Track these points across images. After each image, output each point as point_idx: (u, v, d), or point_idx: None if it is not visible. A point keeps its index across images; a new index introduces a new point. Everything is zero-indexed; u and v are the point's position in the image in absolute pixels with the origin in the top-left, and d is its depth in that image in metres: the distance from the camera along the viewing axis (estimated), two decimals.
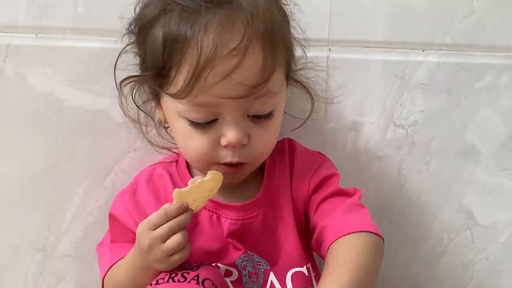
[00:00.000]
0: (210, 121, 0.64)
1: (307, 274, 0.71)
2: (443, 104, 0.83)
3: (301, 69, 0.75)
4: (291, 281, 0.70)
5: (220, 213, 0.70)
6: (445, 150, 0.84)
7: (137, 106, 0.72)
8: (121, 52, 0.71)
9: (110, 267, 0.70)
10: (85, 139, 0.77)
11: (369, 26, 0.80)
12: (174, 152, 0.76)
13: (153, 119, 0.74)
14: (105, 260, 0.71)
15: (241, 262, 0.70)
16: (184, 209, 0.63)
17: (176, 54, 0.62)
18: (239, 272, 0.70)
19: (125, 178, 0.77)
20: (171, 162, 0.75)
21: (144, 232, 0.64)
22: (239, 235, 0.70)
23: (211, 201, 0.69)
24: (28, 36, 0.75)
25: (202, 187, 0.64)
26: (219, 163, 0.66)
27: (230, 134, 0.64)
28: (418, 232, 0.87)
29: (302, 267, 0.71)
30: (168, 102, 0.66)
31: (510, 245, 0.89)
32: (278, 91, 0.66)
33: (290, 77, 0.71)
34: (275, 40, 0.64)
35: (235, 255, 0.70)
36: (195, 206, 0.64)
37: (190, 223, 0.65)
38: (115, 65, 0.71)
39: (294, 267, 0.71)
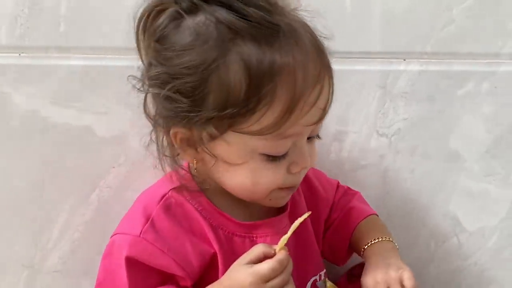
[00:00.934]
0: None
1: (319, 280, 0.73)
2: (426, 112, 0.83)
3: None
4: None
5: (253, 235, 0.68)
6: (429, 157, 0.85)
7: (163, 154, 0.65)
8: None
9: None
10: (70, 155, 0.77)
11: (350, 37, 0.80)
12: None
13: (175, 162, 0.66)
14: None
15: None
16: (287, 261, 0.61)
17: (266, 86, 0.57)
18: None
19: (110, 193, 0.78)
20: (179, 187, 0.68)
21: (246, 267, 0.60)
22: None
23: (237, 224, 0.67)
24: (11, 56, 0.75)
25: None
26: (281, 188, 0.65)
27: (304, 161, 0.63)
28: (405, 239, 0.87)
29: (317, 274, 0.73)
30: (232, 142, 0.60)
31: (497, 250, 0.90)
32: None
33: None
34: (330, 63, 0.63)
35: None
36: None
37: (228, 255, 0.64)
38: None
39: (312, 276, 0.73)
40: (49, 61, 0.75)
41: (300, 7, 0.62)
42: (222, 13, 0.57)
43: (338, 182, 0.82)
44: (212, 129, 0.60)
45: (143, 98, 0.64)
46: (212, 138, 0.61)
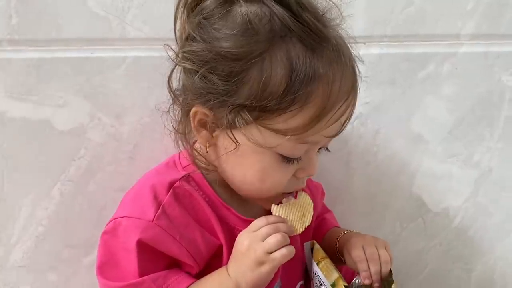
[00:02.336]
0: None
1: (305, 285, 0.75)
2: (387, 95, 0.83)
3: None
4: None
5: None
6: (391, 140, 0.85)
7: (176, 131, 0.66)
8: (173, 68, 0.63)
9: None
10: (29, 149, 0.76)
11: None
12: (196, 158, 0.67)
13: (186, 141, 0.67)
14: None
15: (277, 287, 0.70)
16: (283, 220, 0.64)
17: (303, 90, 0.57)
18: None
19: (72, 186, 0.77)
20: (186, 177, 0.68)
21: (246, 233, 0.63)
22: None
23: (239, 218, 0.67)
24: None
25: (296, 208, 0.66)
26: (283, 192, 0.66)
27: (312, 168, 0.65)
28: (370, 222, 0.88)
29: (302, 280, 0.74)
30: (253, 134, 0.60)
31: (462, 230, 0.91)
32: None
33: None
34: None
35: (273, 281, 0.66)
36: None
37: (232, 247, 0.64)
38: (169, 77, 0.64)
39: (299, 281, 0.74)
40: (3, 54, 0.74)
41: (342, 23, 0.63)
42: (279, 10, 0.58)
43: (322, 186, 0.82)
44: (238, 118, 0.60)
45: (170, 70, 0.63)
46: (233, 127, 0.61)
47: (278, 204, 0.66)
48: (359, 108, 0.83)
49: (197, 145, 0.67)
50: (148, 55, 0.75)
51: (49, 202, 0.78)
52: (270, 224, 0.63)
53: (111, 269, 0.65)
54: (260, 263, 0.61)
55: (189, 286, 0.64)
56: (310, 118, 0.58)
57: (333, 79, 0.58)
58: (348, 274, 0.75)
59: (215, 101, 0.60)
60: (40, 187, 0.77)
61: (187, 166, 0.69)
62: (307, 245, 0.74)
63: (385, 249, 0.70)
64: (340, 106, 0.60)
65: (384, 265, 0.69)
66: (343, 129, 0.64)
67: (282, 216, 0.65)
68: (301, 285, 0.74)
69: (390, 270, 0.70)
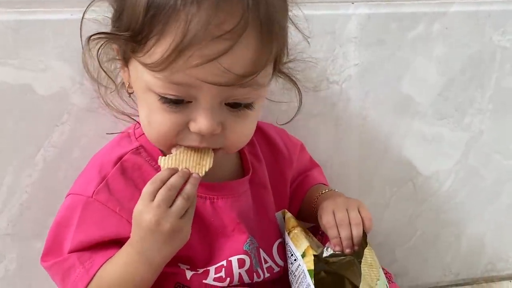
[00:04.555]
0: (182, 102, 0.59)
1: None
2: (377, 56, 0.82)
3: (289, 61, 0.69)
4: (277, 253, 0.71)
5: (213, 196, 0.67)
6: (381, 103, 0.84)
7: (100, 66, 0.65)
8: (89, 4, 0.65)
9: (91, 279, 0.63)
10: (11, 115, 0.74)
11: None
12: (134, 120, 0.70)
13: (113, 81, 0.68)
14: (77, 273, 0.64)
15: (249, 246, 0.68)
16: (174, 171, 0.59)
17: (159, 22, 0.55)
18: (250, 258, 0.67)
19: (55, 152, 0.76)
20: (137, 149, 0.67)
21: (144, 208, 0.58)
22: (242, 214, 0.68)
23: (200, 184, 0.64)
24: None
25: (189, 155, 0.61)
26: (182, 145, 0.62)
27: (202, 123, 0.59)
28: (360, 186, 0.87)
29: (280, 238, 0.73)
30: (138, 69, 0.60)
31: (452, 194, 0.91)
32: (265, 83, 0.61)
33: (278, 69, 0.65)
34: (274, 29, 0.58)
35: (241, 239, 0.67)
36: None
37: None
38: (82, 19, 0.65)
39: (277, 239, 0.72)
40: None
41: None
42: None
43: (302, 144, 0.81)
44: (126, 52, 0.61)
45: None
46: (125, 61, 0.62)
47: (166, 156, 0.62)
48: (347, 70, 0.82)
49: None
50: None
51: (33, 169, 0.76)
52: (164, 184, 0.58)
53: (52, 247, 0.67)
54: (177, 231, 0.59)
55: (106, 261, 0.63)
56: (167, 52, 0.55)
57: (195, 13, 0.54)
58: None
59: (113, 34, 0.62)
60: (23, 153, 0.76)
61: (141, 136, 0.68)
62: (278, 215, 0.73)
63: (358, 210, 0.67)
64: (210, 44, 0.54)
65: (355, 228, 0.66)
66: (241, 80, 0.56)
67: (173, 166, 0.60)
68: (280, 243, 0.72)
69: (364, 233, 0.66)
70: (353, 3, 0.79)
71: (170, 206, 0.58)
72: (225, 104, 0.60)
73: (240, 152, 0.72)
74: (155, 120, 0.60)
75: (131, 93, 0.67)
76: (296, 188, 0.78)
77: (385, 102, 0.84)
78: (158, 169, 0.64)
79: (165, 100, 0.58)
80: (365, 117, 0.84)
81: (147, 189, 0.59)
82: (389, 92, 0.83)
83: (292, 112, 0.74)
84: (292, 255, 0.68)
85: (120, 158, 0.66)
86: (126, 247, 0.62)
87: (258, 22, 0.56)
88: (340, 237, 0.66)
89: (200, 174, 0.61)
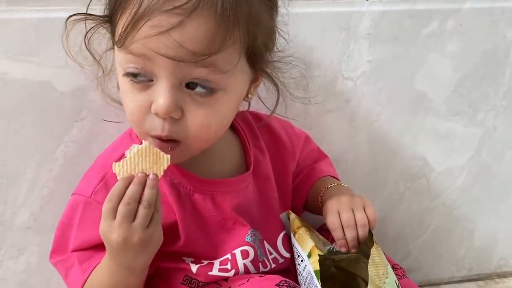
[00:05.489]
0: (146, 81, 0.60)
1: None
2: (391, 53, 0.83)
3: (275, 61, 0.68)
4: (282, 245, 0.72)
5: (213, 192, 0.68)
6: (395, 99, 0.85)
7: (87, 49, 0.68)
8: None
9: (86, 280, 0.65)
10: (32, 111, 0.76)
11: None
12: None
13: (102, 67, 0.70)
14: (75, 272, 0.66)
15: (251, 237, 0.69)
16: (130, 180, 0.58)
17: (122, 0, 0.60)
18: (254, 249, 0.68)
19: (75, 148, 0.77)
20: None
21: (107, 229, 0.58)
22: (242, 208, 0.69)
23: (198, 180, 0.67)
24: None
25: (145, 156, 0.59)
26: (151, 135, 0.62)
27: (161, 101, 0.59)
28: (374, 182, 0.88)
29: (285, 229, 0.74)
30: (115, 53, 0.63)
31: (465, 189, 0.91)
32: (227, 70, 0.60)
33: (259, 67, 0.65)
34: (235, 16, 0.59)
35: (243, 232, 0.68)
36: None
37: (188, 213, 0.64)
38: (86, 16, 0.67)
39: (281, 231, 0.73)
40: (1, 15, 0.73)
41: None
42: None
43: (307, 135, 0.81)
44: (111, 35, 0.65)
45: None
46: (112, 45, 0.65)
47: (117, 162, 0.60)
48: (362, 66, 0.83)
49: None
50: None
51: (53, 164, 0.78)
52: (122, 198, 0.57)
53: (58, 245, 0.69)
54: (147, 241, 0.58)
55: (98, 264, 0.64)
56: (125, 23, 0.59)
57: None
58: None
59: (94, 16, 0.66)
60: (43, 149, 0.78)
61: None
62: (283, 216, 0.73)
63: (364, 209, 0.67)
64: (161, 17, 0.57)
65: (361, 229, 0.66)
66: (189, 54, 0.57)
67: (129, 171, 0.59)
68: (284, 234, 0.73)
69: (370, 232, 0.66)
70: (367, 0, 0.80)
71: (134, 220, 0.57)
72: (186, 88, 0.61)
73: (243, 146, 0.73)
74: (126, 102, 0.63)
75: None
76: (303, 180, 0.79)
77: (399, 98, 0.84)
78: None
79: (131, 77, 0.61)
80: (379, 113, 0.84)
81: (106, 207, 0.58)
82: (403, 88, 0.84)
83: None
84: (298, 256, 0.68)
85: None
86: (105, 258, 0.63)
87: (215, 5, 0.58)
88: (345, 239, 0.66)
89: (159, 174, 0.60)
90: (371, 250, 0.63)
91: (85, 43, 0.69)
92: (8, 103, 0.76)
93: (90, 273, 0.65)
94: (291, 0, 0.76)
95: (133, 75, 0.61)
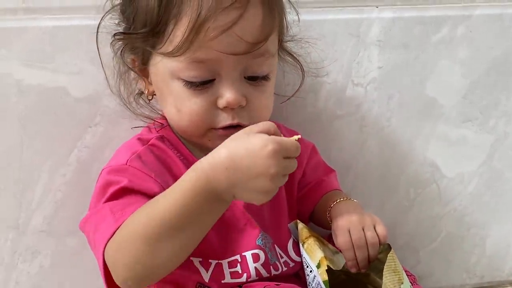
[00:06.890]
0: (207, 82, 0.63)
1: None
2: (401, 59, 0.83)
3: (289, 40, 0.73)
4: (292, 249, 0.72)
5: None
6: (405, 105, 0.85)
7: (129, 67, 0.69)
8: (104, 15, 0.70)
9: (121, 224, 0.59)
10: (46, 116, 0.77)
11: None
12: (157, 121, 0.72)
13: (144, 79, 0.70)
14: (109, 220, 0.61)
15: (262, 241, 0.69)
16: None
17: (174, 5, 0.60)
18: (264, 252, 0.69)
19: (88, 153, 0.79)
20: (161, 137, 0.70)
21: (277, 151, 0.53)
22: (254, 209, 0.69)
23: None
24: None
25: None
26: (216, 128, 0.64)
27: (228, 95, 0.62)
28: (384, 188, 0.88)
29: (292, 237, 0.74)
30: (159, 65, 0.64)
31: (476, 196, 0.91)
32: (274, 53, 0.66)
33: (281, 45, 0.70)
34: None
35: (253, 234, 0.69)
36: None
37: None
38: (97, 33, 0.70)
39: (291, 237, 0.73)
40: (18, 23, 0.75)
41: None
42: None
43: (314, 146, 0.81)
44: (145, 52, 0.65)
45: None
46: (144, 62, 0.66)
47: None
48: (372, 72, 0.84)
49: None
50: None
51: (67, 168, 0.79)
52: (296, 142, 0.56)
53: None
54: (272, 178, 0.53)
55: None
56: (186, 32, 0.59)
57: None
58: None
59: (128, 41, 0.66)
60: (57, 154, 0.79)
61: (160, 129, 0.71)
62: (291, 225, 0.73)
63: (374, 227, 0.66)
64: (221, 15, 0.59)
65: (372, 249, 0.65)
66: (254, 47, 0.60)
67: None
68: (294, 240, 0.73)
69: (387, 245, 0.65)
70: (377, 7, 0.80)
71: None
72: (245, 78, 0.64)
73: None
74: (184, 106, 0.64)
75: (150, 99, 0.72)
76: (311, 191, 0.78)
77: (409, 104, 0.84)
78: (180, 157, 0.68)
79: (191, 84, 0.62)
80: (389, 119, 0.85)
81: (290, 142, 0.55)
82: (413, 94, 0.84)
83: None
84: (307, 266, 0.68)
85: (147, 141, 0.69)
86: (189, 174, 0.57)
87: None
88: (356, 259, 0.65)
89: None
90: (388, 255, 0.63)
91: (122, 57, 0.69)
92: (24, 109, 0.77)
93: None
94: (300, 8, 0.78)
95: (196, 83, 0.62)
